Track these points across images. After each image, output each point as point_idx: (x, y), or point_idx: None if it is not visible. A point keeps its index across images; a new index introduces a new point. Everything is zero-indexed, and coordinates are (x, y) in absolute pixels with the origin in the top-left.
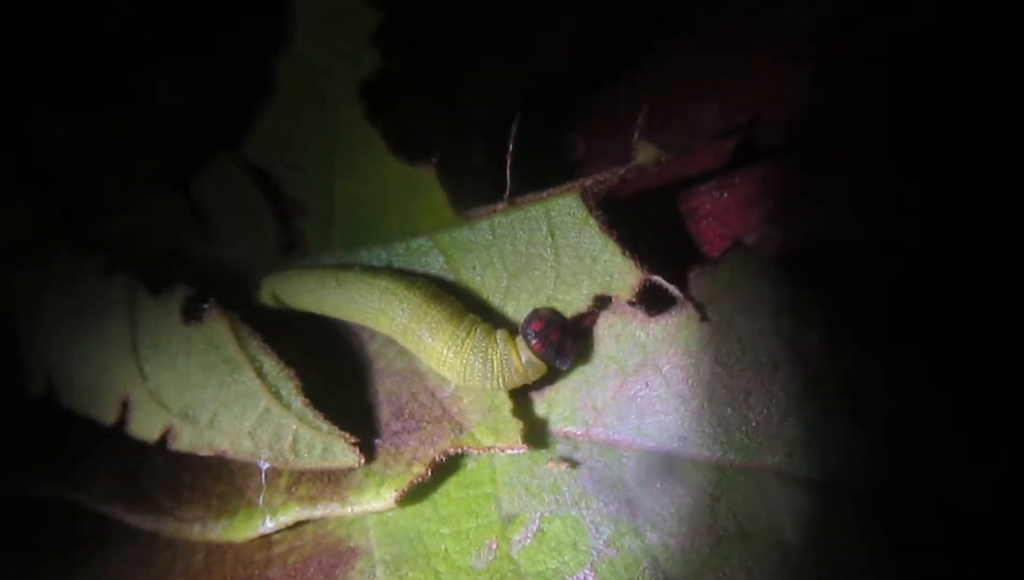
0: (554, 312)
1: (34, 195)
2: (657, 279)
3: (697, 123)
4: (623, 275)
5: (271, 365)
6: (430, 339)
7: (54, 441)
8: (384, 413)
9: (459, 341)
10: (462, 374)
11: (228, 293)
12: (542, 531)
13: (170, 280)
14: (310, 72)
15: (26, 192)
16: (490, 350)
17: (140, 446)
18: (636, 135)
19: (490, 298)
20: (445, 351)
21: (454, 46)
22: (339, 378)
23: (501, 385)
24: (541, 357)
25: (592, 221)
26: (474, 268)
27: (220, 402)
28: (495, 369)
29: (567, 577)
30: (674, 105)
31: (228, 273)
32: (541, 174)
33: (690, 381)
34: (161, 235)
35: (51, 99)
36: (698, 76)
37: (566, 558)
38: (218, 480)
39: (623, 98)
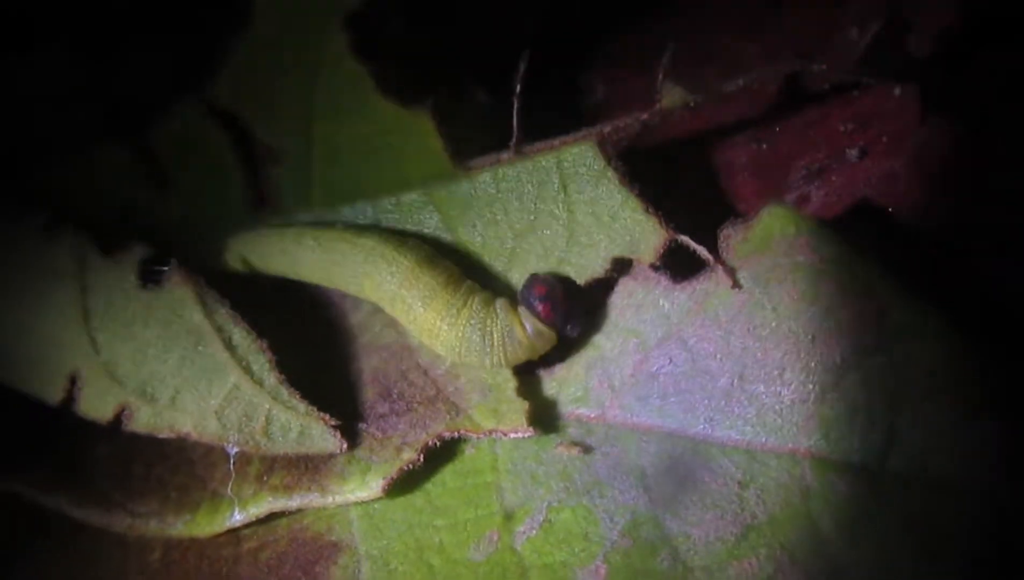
0: (554, 274)
1: None
2: (684, 239)
3: (735, 63)
4: (645, 235)
5: (241, 336)
6: (422, 309)
7: None
8: (369, 393)
9: (454, 311)
10: (458, 349)
11: (190, 254)
12: (549, 521)
13: (124, 239)
14: (291, 3)
15: None
16: (489, 321)
17: (85, 429)
18: (661, 75)
19: (492, 262)
20: (439, 323)
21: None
22: (318, 353)
23: (503, 361)
24: (550, 324)
25: (611, 173)
26: (474, 227)
27: (183, 378)
28: (495, 343)
29: (576, 569)
30: (709, 43)
31: (190, 232)
32: (554, 120)
33: (719, 356)
34: (111, 188)
35: None
36: (737, 10)
37: (576, 549)
38: (176, 470)
39: (650, 35)
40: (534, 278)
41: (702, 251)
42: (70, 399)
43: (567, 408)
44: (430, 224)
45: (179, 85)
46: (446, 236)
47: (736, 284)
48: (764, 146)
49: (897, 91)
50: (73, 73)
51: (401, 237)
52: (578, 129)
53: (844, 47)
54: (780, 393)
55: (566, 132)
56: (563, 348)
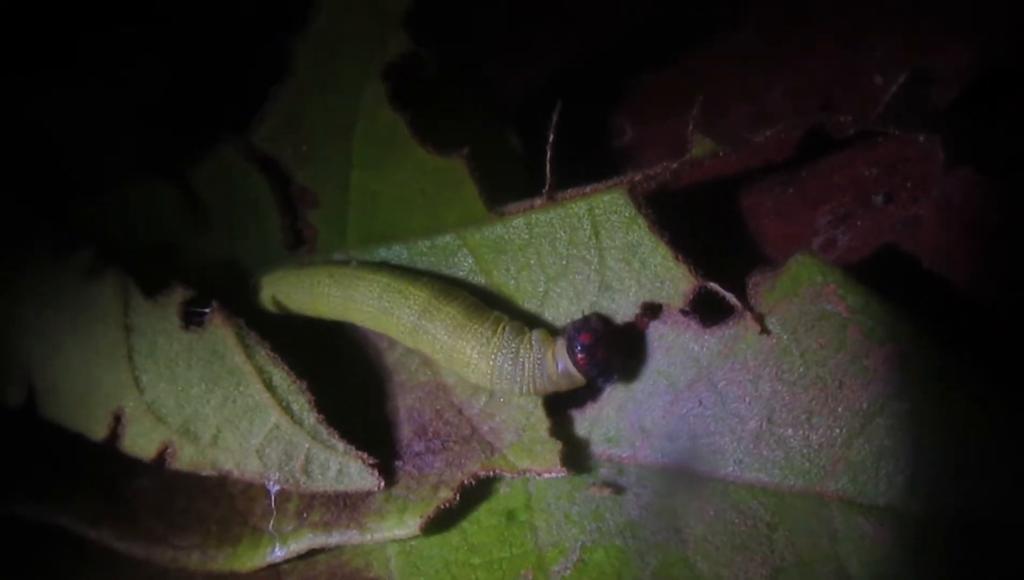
0: (606, 323)
1: (7, 181)
2: (713, 286)
3: (760, 107)
4: (675, 281)
5: (281, 377)
6: (448, 338)
7: (31, 456)
8: (405, 432)
9: (485, 340)
10: (489, 377)
11: (228, 294)
12: (583, 561)
13: (163, 278)
14: (331, 54)
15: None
16: (522, 351)
17: (127, 465)
18: (691, 126)
19: (525, 304)
20: (469, 351)
21: (487, 22)
22: (355, 392)
23: (531, 390)
24: (583, 373)
25: (641, 220)
26: (508, 270)
27: (224, 417)
28: (526, 372)
29: None
30: (734, 87)
31: (227, 271)
32: (583, 163)
33: (748, 399)
34: (150, 226)
35: (27, 73)
36: (760, 55)
37: None
38: (217, 504)
39: (677, 78)
40: (585, 323)
41: (731, 298)
42: (115, 436)
43: (599, 448)
44: (464, 266)
45: (220, 126)
46: (480, 278)
47: (764, 330)
48: (790, 190)
49: (921, 138)
50: (113, 108)
51: (414, 273)
52: (608, 172)
53: (868, 91)
54: (808, 437)
55: (596, 175)
56: (595, 389)
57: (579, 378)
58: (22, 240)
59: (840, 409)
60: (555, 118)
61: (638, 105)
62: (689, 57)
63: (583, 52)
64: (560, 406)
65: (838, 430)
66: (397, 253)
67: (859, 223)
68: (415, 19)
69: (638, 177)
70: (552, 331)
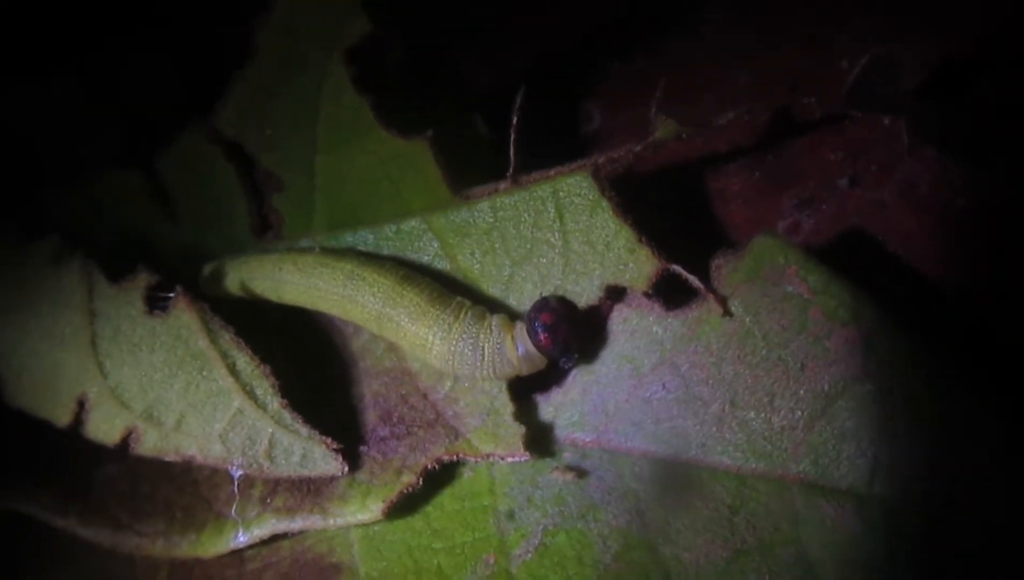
0: (565, 303)
1: None
2: (676, 269)
3: (729, 94)
4: (639, 264)
5: (245, 362)
6: (410, 324)
7: None
8: (370, 417)
9: (446, 326)
10: (450, 362)
11: (195, 280)
12: (545, 545)
13: (130, 264)
14: (292, 38)
15: None
16: (482, 336)
17: (93, 453)
18: (653, 108)
19: (490, 288)
20: (431, 337)
21: (458, 9)
22: (320, 378)
23: (492, 374)
24: (545, 353)
25: (605, 203)
26: (473, 254)
27: (188, 402)
28: (486, 357)
29: None
30: (702, 74)
31: (195, 258)
32: (552, 149)
33: (711, 382)
34: (118, 215)
35: None
36: (729, 42)
37: (570, 573)
38: (182, 491)
39: (646, 65)
40: (544, 303)
41: (694, 280)
42: (78, 422)
43: (563, 432)
44: (430, 251)
45: (186, 109)
46: (445, 263)
47: (727, 312)
48: (756, 174)
49: (886, 121)
50: (80, 97)
51: (378, 260)
52: (574, 158)
53: (834, 78)
54: (770, 420)
55: (563, 161)
56: (559, 372)
57: (540, 361)
58: None
59: (802, 391)
60: (519, 100)
61: (607, 92)
62: (658, 44)
63: (554, 40)
64: (525, 391)
65: (800, 412)
66: (363, 238)
67: (824, 207)
68: (382, 4)
69: (601, 160)
70: (514, 316)
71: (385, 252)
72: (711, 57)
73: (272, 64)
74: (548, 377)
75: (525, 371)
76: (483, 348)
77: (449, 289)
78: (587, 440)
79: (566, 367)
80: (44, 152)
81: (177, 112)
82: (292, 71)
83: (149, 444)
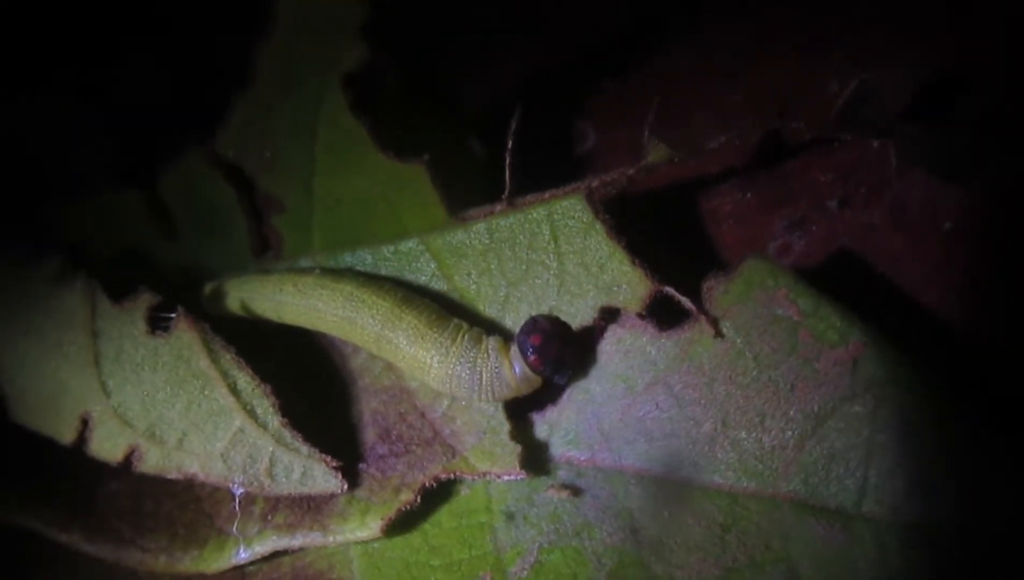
0: (555, 321)
1: None
2: (668, 290)
3: (720, 114)
4: (632, 286)
5: (246, 381)
6: (408, 346)
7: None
8: (369, 435)
9: (444, 349)
10: (448, 384)
11: (195, 300)
12: (540, 563)
13: (131, 285)
14: (290, 63)
15: None
16: (479, 360)
17: (96, 469)
18: (646, 132)
19: (486, 308)
20: (429, 360)
21: (452, 31)
22: (319, 396)
23: (490, 396)
24: (538, 372)
25: (599, 226)
26: (469, 275)
27: (190, 421)
28: (483, 380)
29: None
30: (694, 94)
31: (195, 276)
32: (546, 169)
33: (703, 402)
34: (118, 233)
35: None
36: (720, 63)
37: None
38: (184, 507)
39: (639, 85)
40: (533, 323)
41: (686, 302)
42: (82, 440)
43: (558, 451)
44: (427, 271)
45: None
46: (442, 284)
47: (719, 333)
48: (748, 195)
49: (875, 144)
50: (78, 112)
51: (378, 281)
52: (570, 178)
53: (823, 99)
54: (761, 439)
55: (558, 181)
56: (554, 391)
57: (536, 381)
58: None
59: (792, 412)
60: (514, 123)
61: (601, 111)
62: (651, 64)
63: (548, 60)
64: (521, 409)
65: (790, 432)
66: (362, 259)
67: (815, 228)
68: (377, 27)
69: (595, 183)
70: (510, 337)
71: (383, 272)
72: (702, 77)
73: (271, 88)
74: (543, 395)
75: (523, 391)
76: (480, 371)
77: (447, 310)
78: (582, 458)
79: (560, 384)
80: (42, 167)
81: (174, 129)
82: (291, 95)
83: (152, 462)
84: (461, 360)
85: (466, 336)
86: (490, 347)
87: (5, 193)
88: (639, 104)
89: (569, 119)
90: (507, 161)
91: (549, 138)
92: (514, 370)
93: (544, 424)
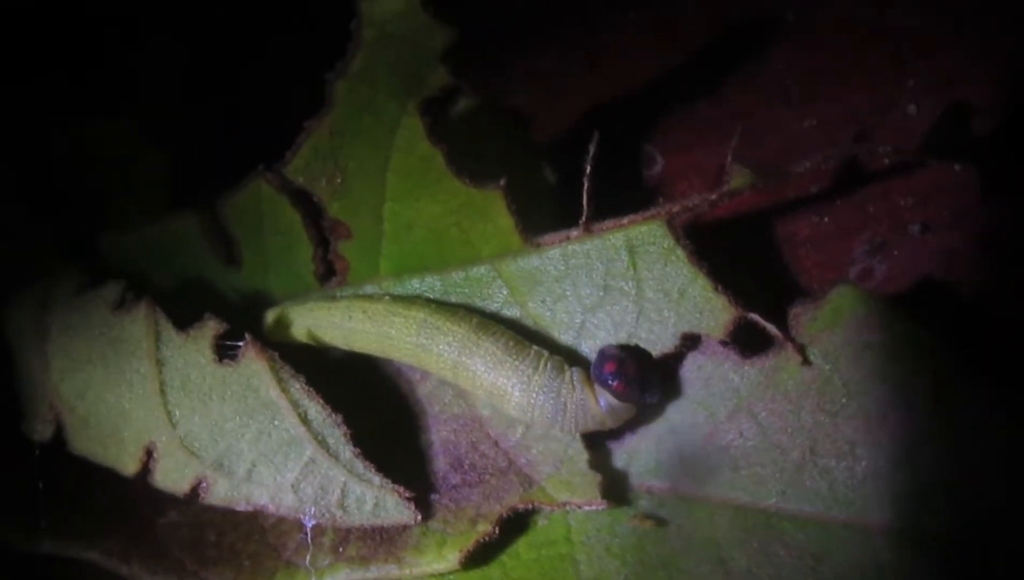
0: (623, 347)
1: (36, 214)
2: (754, 317)
3: (793, 138)
4: (715, 313)
5: (316, 410)
6: (487, 374)
7: (58, 492)
8: (441, 464)
9: (525, 377)
10: (529, 413)
11: (257, 324)
12: None
13: (192, 310)
14: (369, 90)
15: (24, 209)
16: (563, 391)
17: (154, 498)
18: (729, 157)
19: (561, 335)
20: (509, 388)
21: (521, 55)
22: (389, 424)
23: (573, 429)
24: (626, 398)
25: (680, 252)
26: (543, 301)
27: (260, 451)
28: (568, 412)
29: None
30: (767, 118)
31: (257, 302)
32: (615, 191)
33: (790, 430)
34: (176, 259)
35: (55, 106)
36: (793, 86)
37: None
38: (248, 538)
39: (708, 109)
40: (603, 355)
41: (772, 330)
42: (146, 471)
43: (638, 480)
44: (499, 298)
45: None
46: (514, 310)
47: (806, 361)
48: (825, 219)
49: (957, 167)
50: (137, 137)
51: (450, 307)
52: (639, 201)
53: (900, 122)
54: (852, 468)
55: (628, 204)
56: (632, 419)
57: (626, 412)
58: (51, 273)
59: (884, 440)
60: (592, 149)
61: (670, 135)
62: (721, 88)
63: (617, 84)
64: (598, 438)
65: (883, 461)
66: (431, 285)
67: (896, 252)
68: (458, 54)
69: (676, 208)
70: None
71: (453, 298)
72: (773, 101)
73: (345, 115)
74: (622, 424)
75: (610, 425)
76: (565, 402)
77: (523, 335)
78: (664, 488)
79: (652, 402)
80: (98, 195)
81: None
82: (365, 122)
83: (220, 494)
84: (544, 390)
85: (548, 364)
86: (575, 379)
87: (64, 221)
88: (708, 129)
89: (636, 143)
90: (584, 186)
91: (617, 162)
92: (599, 404)
93: (622, 453)
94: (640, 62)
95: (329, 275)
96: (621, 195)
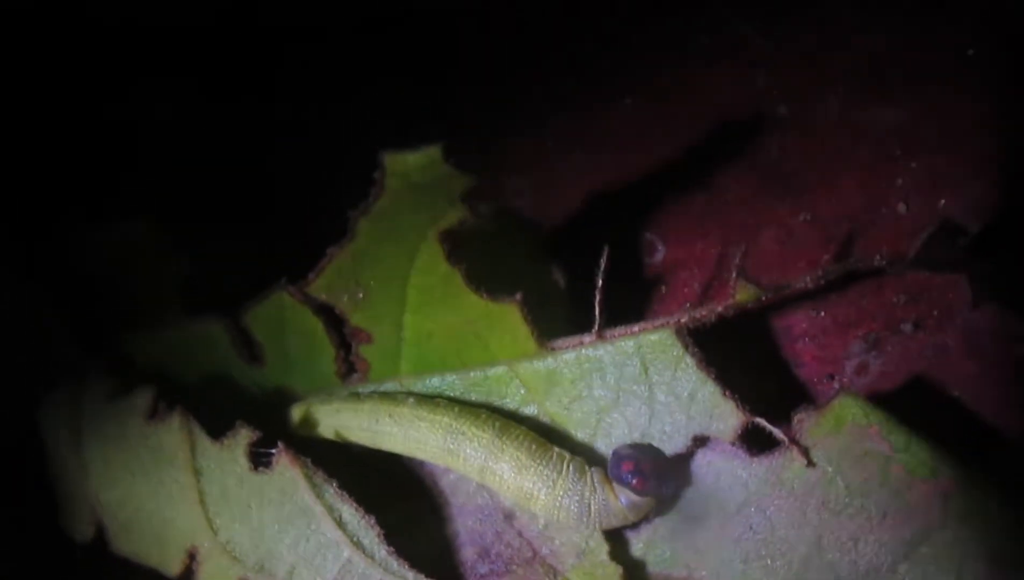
0: (635, 446)
1: (61, 321)
2: (760, 422)
3: (788, 231)
4: (723, 417)
5: (351, 513)
6: (513, 478)
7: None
8: (469, 554)
9: (550, 481)
10: (555, 514)
11: (282, 420)
12: None
13: (217, 404)
14: (390, 222)
15: (47, 305)
16: (587, 492)
17: None
18: (734, 274)
19: (578, 433)
20: (535, 492)
21: (520, 152)
22: (415, 517)
23: (598, 527)
24: (646, 493)
25: (688, 359)
26: (560, 401)
27: (299, 555)
28: (592, 512)
29: None
30: (762, 210)
31: (281, 398)
32: (618, 279)
33: (796, 525)
34: (200, 357)
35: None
36: (788, 181)
37: None
38: None
39: (707, 200)
40: (617, 456)
41: (778, 433)
42: (189, 572)
43: (655, 568)
44: (516, 397)
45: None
46: (532, 408)
47: (810, 462)
48: (822, 314)
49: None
50: (155, 243)
51: (473, 411)
52: (643, 290)
53: (891, 219)
54: (856, 562)
55: (633, 293)
56: (664, 502)
57: (646, 506)
58: (76, 370)
59: (885, 537)
60: (603, 263)
61: (670, 223)
62: (718, 178)
63: (615, 171)
64: (616, 528)
65: (884, 557)
66: (451, 383)
67: (890, 349)
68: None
69: (684, 319)
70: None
71: (473, 396)
72: (768, 196)
73: (367, 242)
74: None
75: (634, 519)
76: (589, 504)
77: (541, 433)
78: (680, 576)
79: (670, 493)
80: (121, 294)
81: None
82: (386, 248)
83: None
84: (568, 492)
85: (570, 466)
86: (595, 480)
87: (90, 325)
88: (707, 220)
89: (637, 230)
90: (597, 298)
91: (619, 249)
92: (621, 502)
93: (639, 543)
94: (637, 149)
95: (350, 373)
96: (627, 284)
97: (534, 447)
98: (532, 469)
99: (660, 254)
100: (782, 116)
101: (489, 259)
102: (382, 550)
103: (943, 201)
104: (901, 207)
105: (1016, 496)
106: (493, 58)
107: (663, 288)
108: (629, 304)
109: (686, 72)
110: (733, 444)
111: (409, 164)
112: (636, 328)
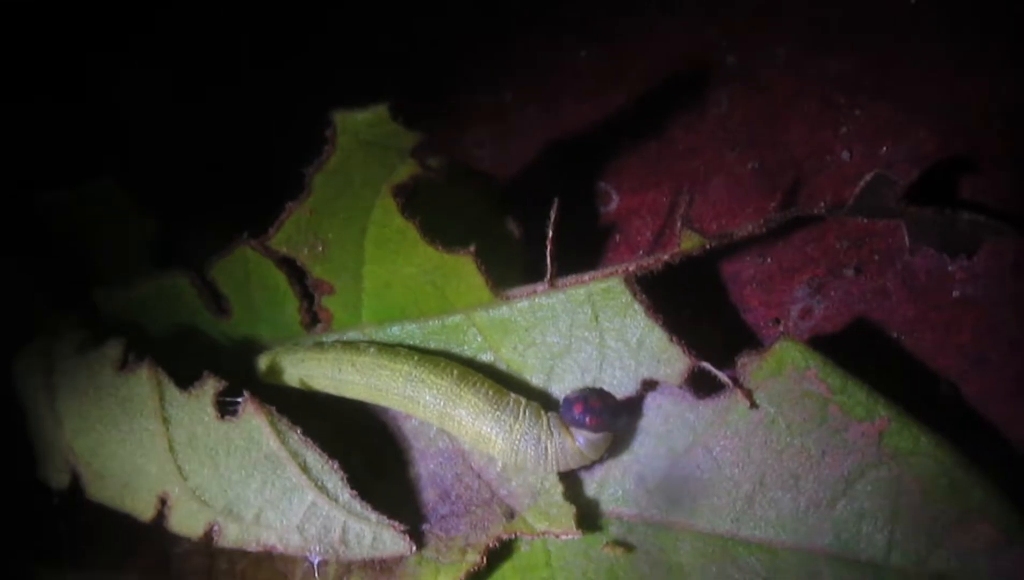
0: (583, 389)
1: (29, 274)
2: (706, 366)
3: (736, 178)
4: (671, 361)
5: (314, 459)
6: (471, 423)
7: (76, 525)
8: (430, 496)
9: (507, 426)
10: (513, 458)
11: (249, 368)
12: None
13: (186, 355)
14: (344, 179)
15: (15, 260)
16: (543, 436)
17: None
18: (679, 223)
19: (533, 378)
20: (493, 436)
21: (475, 104)
22: (378, 461)
23: (557, 469)
24: (600, 429)
25: (637, 306)
26: (515, 348)
27: (265, 499)
28: (549, 455)
29: None
30: (711, 159)
31: (247, 348)
32: (573, 228)
33: (741, 464)
34: (170, 309)
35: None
36: (737, 130)
37: None
38: (259, 565)
39: (659, 149)
40: (568, 400)
41: (723, 377)
42: (161, 517)
43: (608, 507)
44: (474, 344)
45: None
46: (487, 355)
47: (753, 404)
48: (768, 260)
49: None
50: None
51: (433, 359)
52: (598, 238)
53: (836, 167)
54: (796, 499)
55: (587, 242)
56: (620, 436)
57: (602, 444)
58: (47, 324)
59: (824, 474)
60: (554, 214)
61: (623, 173)
62: (669, 129)
63: (570, 123)
64: (574, 469)
65: (823, 493)
66: (410, 331)
67: (832, 293)
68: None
69: (632, 267)
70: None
71: (432, 344)
72: (718, 145)
73: (323, 198)
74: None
75: (593, 457)
76: (545, 447)
77: (499, 382)
78: (631, 514)
79: (626, 427)
80: (85, 251)
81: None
82: (342, 203)
83: (231, 537)
84: (525, 437)
85: (526, 411)
86: (552, 424)
87: (61, 280)
88: (659, 168)
89: (592, 179)
90: (548, 248)
91: (575, 198)
92: (578, 442)
93: (593, 482)
94: (592, 101)
95: (314, 323)
96: (581, 232)
97: (491, 393)
98: (489, 414)
99: (614, 203)
100: (732, 67)
101: (445, 212)
102: (345, 493)
103: (885, 149)
104: (845, 155)
105: (948, 433)
106: (451, 12)
107: (617, 237)
108: (584, 253)
109: (640, 25)
110: (681, 387)
111: (359, 122)
112: (587, 277)
